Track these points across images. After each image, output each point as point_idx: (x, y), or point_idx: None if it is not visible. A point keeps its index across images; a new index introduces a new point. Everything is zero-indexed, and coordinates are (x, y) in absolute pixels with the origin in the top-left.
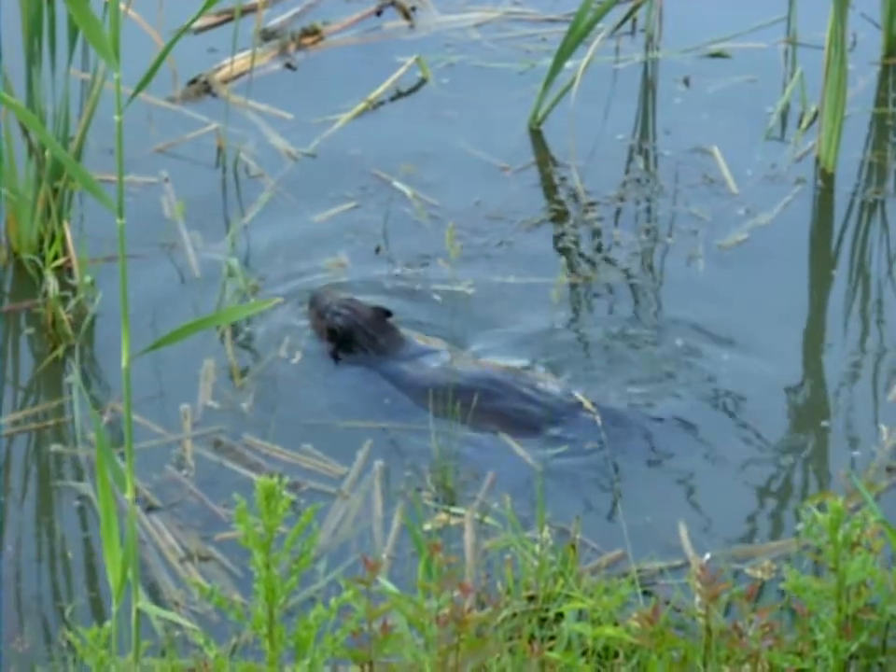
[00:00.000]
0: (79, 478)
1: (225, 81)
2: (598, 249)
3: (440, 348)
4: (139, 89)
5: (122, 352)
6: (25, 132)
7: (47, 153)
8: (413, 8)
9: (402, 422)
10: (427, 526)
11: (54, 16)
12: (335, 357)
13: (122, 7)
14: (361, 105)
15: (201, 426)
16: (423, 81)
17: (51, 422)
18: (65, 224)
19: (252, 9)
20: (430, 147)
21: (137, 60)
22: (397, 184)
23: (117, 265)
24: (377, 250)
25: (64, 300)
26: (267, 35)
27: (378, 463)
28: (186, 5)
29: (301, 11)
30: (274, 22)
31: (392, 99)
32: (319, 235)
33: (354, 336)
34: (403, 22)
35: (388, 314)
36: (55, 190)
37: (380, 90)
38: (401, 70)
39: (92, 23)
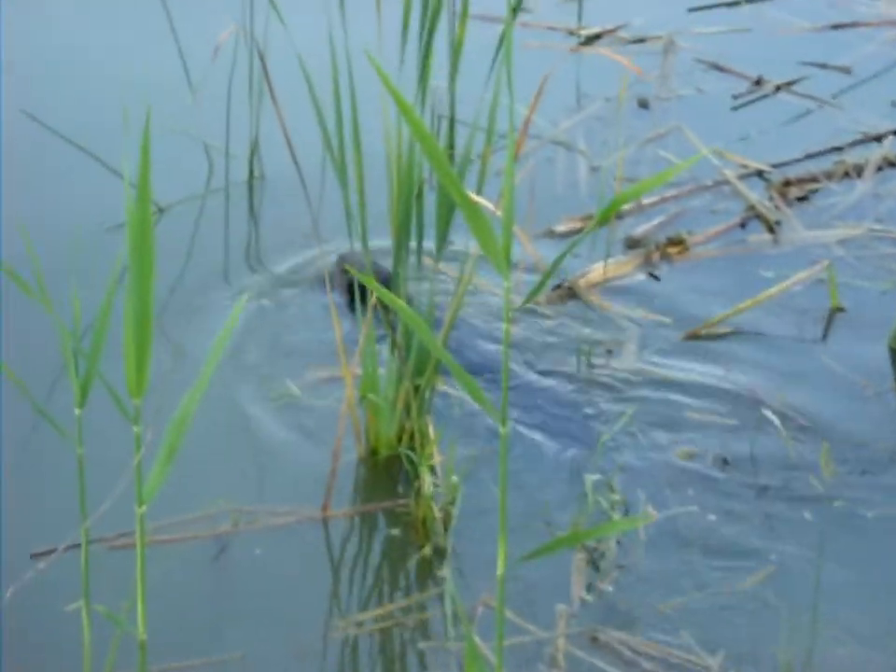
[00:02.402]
0: None
1: (590, 287)
2: None
3: None
4: (529, 297)
5: (498, 558)
6: (391, 328)
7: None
8: (778, 222)
9: None
10: None
11: (422, 209)
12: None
13: (492, 207)
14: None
15: (574, 620)
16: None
17: (416, 617)
18: (428, 421)
19: (617, 216)
20: (798, 365)
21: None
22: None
23: (482, 466)
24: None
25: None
26: (631, 243)
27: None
28: (551, 208)
29: (666, 220)
30: (639, 230)
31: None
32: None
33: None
34: (767, 236)
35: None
36: (416, 388)
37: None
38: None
39: (485, 230)
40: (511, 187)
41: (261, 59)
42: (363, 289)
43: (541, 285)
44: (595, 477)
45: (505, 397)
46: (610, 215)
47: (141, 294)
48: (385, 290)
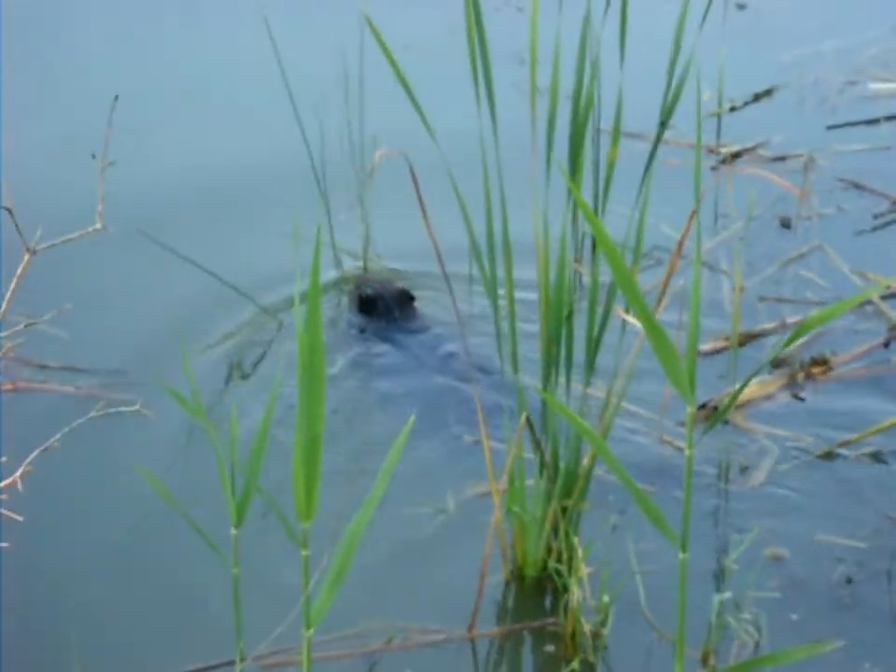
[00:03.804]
0: None
1: (736, 407)
2: None
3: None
4: (712, 423)
5: None
6: (538, 446)
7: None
8: None
9: None
10: None
11: (571, 331)
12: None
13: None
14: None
15: None
16: None
17: None
18: (576, 542)
19: (761, 336)
20: None
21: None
22: None
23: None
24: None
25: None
26: (775, 364)
27: None
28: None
29: (810, 340)
30: (783, 350)
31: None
32: None
33: (374, 304)
34: None
35: (412, 297)
36: (563, 509)
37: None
38: None
39: (670, 354)
40: (696, 317)
41: (412, 176)
42: (373, 305)
43: (726, 409)
44: (726, 595)
45: (686, 519)
46: (797, 339)
47: (310, 420)
48: (562, 406)
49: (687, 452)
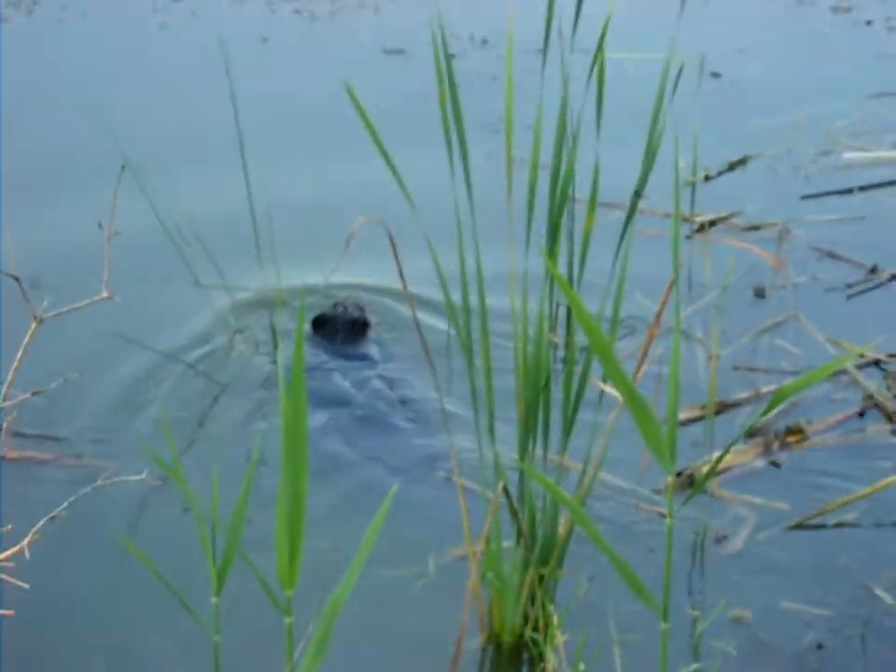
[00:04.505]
0: None
1: (710, 476)
2: None
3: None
4: (692, 494)
5: None
6: (514, 514)
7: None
8: None
9: None
10: None
11: (549, 400)
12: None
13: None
14: (840, 501)
15: None
16: None
17: None
18: (552, 609)
19: (735, 405)
20: None
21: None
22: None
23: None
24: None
25: None
26: (751, 432)
27: None
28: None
29: (785, 409)
30: (760, 419)
31: None
32: None
33: (325, 324)
34: (886, 425)
35: (366, 324)
36: (541, 577)
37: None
38: None
39: (651, 423)
40: (675, 387)
41: (393, 246)
42: (323, 324)
43: (704, 479)
44: (694, 667)
45: (667, 589)
46: (773, 408)
47: (295, 491)
48: (544, 479)
49: (668, 521)
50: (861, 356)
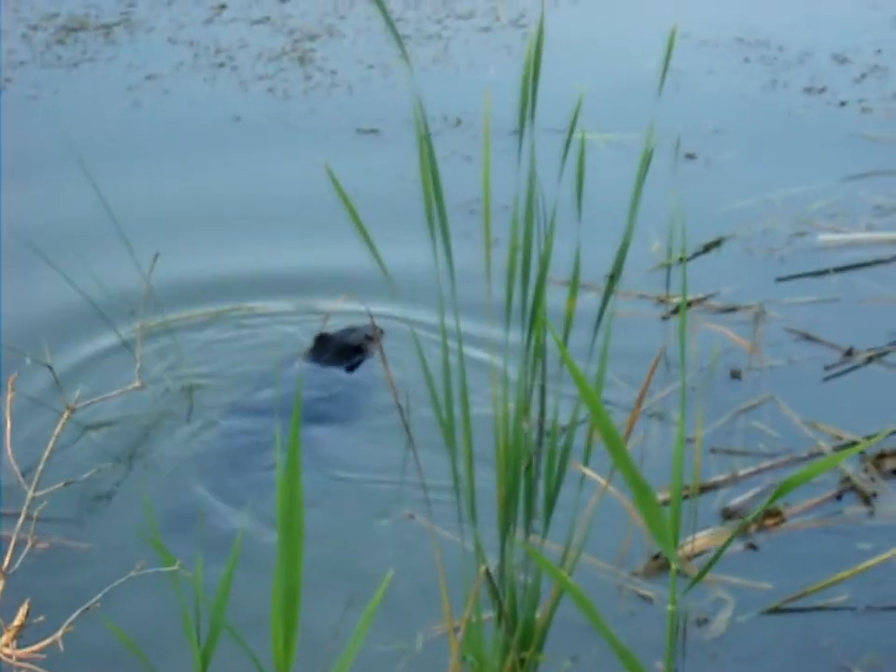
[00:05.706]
0: None
1: (688, 558)
2: None
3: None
4: (693, 583)
5: None
6: (496, 596)
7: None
8: (874, 494)
9: None
10: None
11: (531, 483)
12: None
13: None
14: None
15: None
16: None
17: None
18: None
19: (713, 487)
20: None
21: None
22: None
23: None
24: None
25: None
26: (728, 514)
27: None
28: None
29: (763, 491)
30: (735, 501)
31: None
32: None
33: (317, 344)
34: (863, 508)
35: (358, 349)
36: (521, 660)
37: None
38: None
39: (654, 509)
40: (679, 475)
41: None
42: (321, 343)
43: (703, 573)
44: None
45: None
46: (778, 497)
47: (290, 573)
48: (560, 572)
49: (670, 608)
50: (838, 437)
